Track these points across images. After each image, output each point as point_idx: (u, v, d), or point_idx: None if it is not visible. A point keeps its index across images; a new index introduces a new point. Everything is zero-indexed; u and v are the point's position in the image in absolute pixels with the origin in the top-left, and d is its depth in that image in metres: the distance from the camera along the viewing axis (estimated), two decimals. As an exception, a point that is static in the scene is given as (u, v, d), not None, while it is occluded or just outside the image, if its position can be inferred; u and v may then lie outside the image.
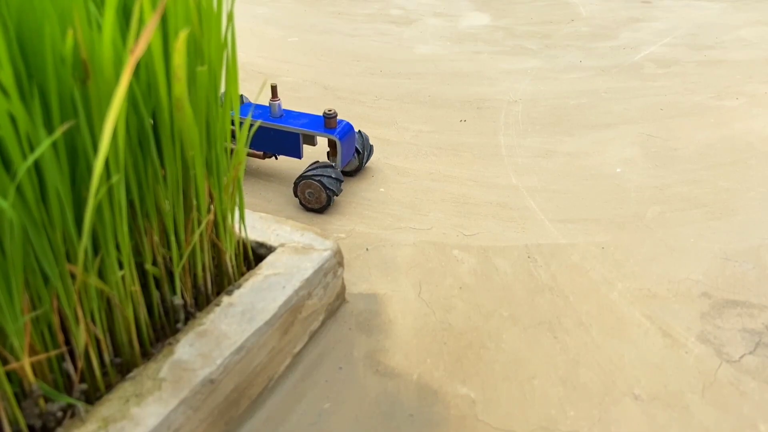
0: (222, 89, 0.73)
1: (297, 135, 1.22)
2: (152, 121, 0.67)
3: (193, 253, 0.77)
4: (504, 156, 1.42)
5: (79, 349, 0.66)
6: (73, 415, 0.65)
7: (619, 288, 1.02)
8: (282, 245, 0.90)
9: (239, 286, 0.82)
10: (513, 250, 1.11)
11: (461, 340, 0.91)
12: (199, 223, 0.76)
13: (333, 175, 1.17)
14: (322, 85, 1.81)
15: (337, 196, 1.19)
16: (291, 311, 0.82)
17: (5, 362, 0.61)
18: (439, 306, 0.97)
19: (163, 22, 0.63)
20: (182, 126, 0.66)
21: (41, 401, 0.63)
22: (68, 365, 0.66)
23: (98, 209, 0.62)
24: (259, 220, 0.95)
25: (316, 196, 1.17)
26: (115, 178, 0.60)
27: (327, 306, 0.92)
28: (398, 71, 1.93)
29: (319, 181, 1.15)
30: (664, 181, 1.32)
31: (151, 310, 0.76)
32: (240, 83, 0.76)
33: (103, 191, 0.60)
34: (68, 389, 0.67)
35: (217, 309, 0.78)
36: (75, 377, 0.67)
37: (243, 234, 0.88)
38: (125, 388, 0.67)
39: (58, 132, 0.55)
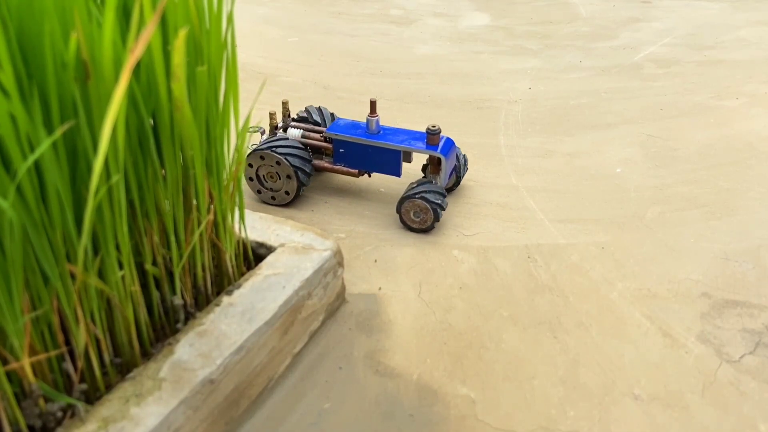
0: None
1: (397, 152, 1.16)
2: (152, 122, 0.67)
3: (193, 253, 0.77)
4: (504, 156, 1.42)
5: (79, 349, 0.66)
6: (73, 415, 0.65)
7: (619, 288, 1.02)
8: (282, 245, 0.90)
9: (239, 286, 0.82)
10: (513, 250, 1.11)
11: (461, 340, 0.91)
12: (199, 223, 0.76)
13: (439, 194, 1.12)
14: (322, 85, 1.81)
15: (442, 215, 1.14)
16: (291, 311, 0.82)
17: (5, 362, 0.61)
18: (439, 306, 0.97)
19: (163, 22, 0.63)
20: (182, 126, 0.66)
21: (41, 401, 0.63)
22: (68, 365, 0.66)
23: (98, 209, 0.62)
24: (259, 220, 0.95)
25: (423, 217, 1.12)
26: (114, 178, 0.60)
27: (327, 306, 0.92)
28: (398, 71, 1.93)
29: (427, 200, 1.10)
30: (664, 181, 1.32)
31: (151, 310, 0.76)
32: (240, 83, 0.76)
33: (103, 191, 0.60)
34: (68, 389, 0.67)
35: (217, 309, 0.78)
36: (75, 377, 0.67)
37: (243, 234, 0.88)
38: (125, 388, 0.67)
39: (58, 132, 0.55)
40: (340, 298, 0.96)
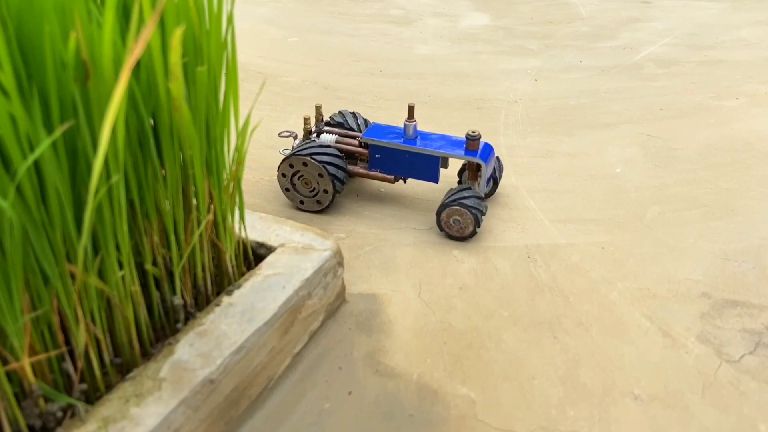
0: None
1: (436, 158, 1.14)
2: (152, 122, 0.67)
3: (193, 253, 0.77)
4: (504, 156, 1.42)
5: (79, 349, 0.66)
6: (73, 415, 0.65)
7: (619, 288, 1.02)
8: (282, 245, 0.90)
9: (239, 286, 0.82)
10: (513, 250, 1.11)
11: (461, 340, 0.91)
12: (199, 223, 0.76)
13: (480, 201, 1.10)
14: (322, 85, 1.81)
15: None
16: (291, 311, 0.82)
17: (5, 362, 0.61)
18: (439, 306, 0.97)
19: (163, 22, 0.63)
20: (180, 126, 0.66)
21: (41, 401, 0.63)
22: (68, 365, 0.66)
23: (98, 209, 0.62)
24: (259, 220, 0.95)
25: (464, 224, 1.10)
26: (114, 178, 0.60)
27: (327, 306, 0.92)
28: (398, 71, 1.93)
29: (468, 208, 1.08)
30: (664, 181, 1.32)
31: (151, 310, 0.76)
32: (240, 83, 0.76)
33: (103, 191, 0.60)
34: (68, 389, 0.67)
35: (217, 309, 0.78)
36: (75, 377, 0.67)
37: (243, 234, 0.88)
38: (125, 388, 0.67)
39: (58, 132, 0.55)
40: (340, 298, 0.96)
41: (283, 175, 1.17)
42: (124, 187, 0.64)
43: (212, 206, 0.78)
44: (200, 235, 0.77)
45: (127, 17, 0.62)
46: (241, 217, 0.85)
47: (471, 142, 1.12)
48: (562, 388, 0.83)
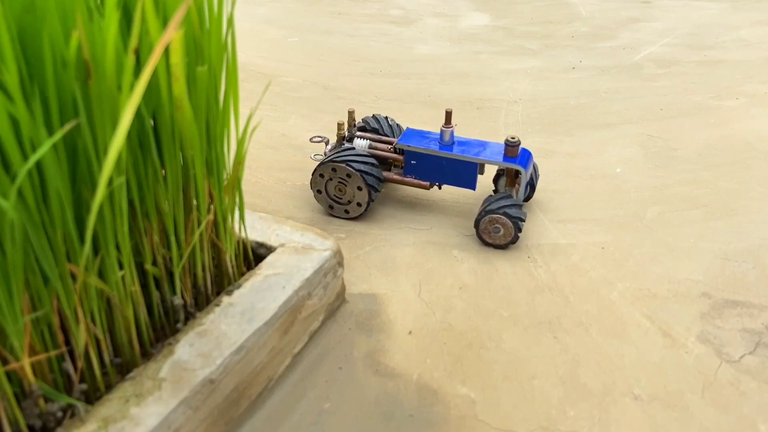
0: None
1: (474, 165, 1.12)
2: (152, 122, 0.67)
3: (193, 253, 0.77)
4: (504, 156, 1.42)
5: (79, 349, 0.66)
6: (73, 415, 0.65)
7: (619, 288, 1.02)
8: (282, 245, 0.90)
9: (239, 286, 0.82)
10: (513, 250, 1.11)
11: (461, 340, 0.91)
12: (199, 224, 0.76)
13: (521, 209, 1.08)
14: (322, 85, 1.81)
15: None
16: (291, 311, 0.82)
17: (5, 362, 0.61)
18: (439, 306, 0.97)
19: (164, 23, 0.63)
20: (182, 125, 0.66)
21: (41, 401, 0.63)
22: (68, 365, 0.66)
23: (99, 209, 0.62)
24: (259, 220, 0.95)
25: (504, 232, 1.08)
26: (117, 182, 0.60)
27: (327, 306, 0.92)
28: (398, 71, 1.93)
29: (509, 217, 1.06)
30: (664, 181, 1.32)
31: (151, 310, 0.76)
32: (240, 83, 0.76)
33: (104, 193, 0.60)
34: (68, 389, 0.67)
35: (217, 309, 0.78)
36: (75, 377, 0.67)
37: (243, 234, 0.88)
38: (125, 388, 0.67)
39: (59, 134, 0.55)
40: (340, 298, 0.96)
41: (321, 175, 1.15)
42: (125, 187, 0.63)
43: (212, 206, 0.78)
44: (200, 235, 0.77)
45: (128, 17, 0.62)
46: (241, 217, 0.85)
47: (510, 148, 1.10)
48: (562, 388, 0.83)
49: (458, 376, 0.85)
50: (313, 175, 1.15)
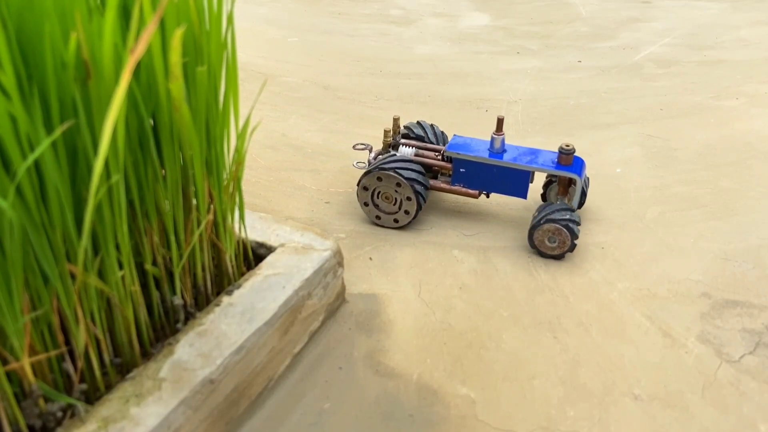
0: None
1: (527, 173, 1.10)
2: (152, 122, 0.67)
3: (192, 253, 0.77)
4: (504, 156, 1.42)
5: (79, 349, 0.66)
6: (73, 415, 0.65)
7: (619, 288, 1.02)
8: (282, 245, 0.90)
9: (239, 286, 0.82)
10: (513, 250, 1.11)
11: (461, 340, 0.91)
12: (199, 223, 0.76)
13: (576, 219, 1.05)
14: (322, 85, 1.81)
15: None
16: (291, 311, 0.82)
17: (5, 362, 0.61)
18: (439, 306, 0.97)
19: (163, 22, 0.63)
20: (180, 126, 0.66)
21: (41, 401, 0.63)
22: (68, 365, 0.66)
23: (98, 209, 0.62)
24: (259, 220, 0.95)
25: (560, 242, 1.06)
26: (114, 178, 0.60)
27: (327, 306, 0.92)
28: (398, 71, 1.93)
29: (566, 226, 1.04)
30: (664, 181, 1.32)
31: (151, 310, 0.76)
32: (240, 83, 0.76)
33: (103, 191, 0.60)
34: (68, 389, 0.67)
35: (217, 309, 0.78)
36: (75, 377, 0.67)
37: (243, 234, 0.88)
38: (125, 388, 0.67)
39: (58, 132, 0.55)
40: (340, 298, 0.96)
41: (365, 188, 1.13)
42: (124, 187, 0.64)
43: (212, 206, 0.78)
44: (200, 235, 0.77)
45: (128, 17, 0.62)
46: (241, 217, 0.85)
47: (564, 156, 1.07)
48: (562, 388, 0.83)
49: (458, 376, 0.85)
50: (359, 183, 1.13)
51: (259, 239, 0.91)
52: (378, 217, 1.15)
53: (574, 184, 1.10)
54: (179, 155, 0.71)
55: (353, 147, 1.24)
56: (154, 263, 0.74)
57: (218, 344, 0.73)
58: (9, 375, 0.62)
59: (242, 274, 0.86)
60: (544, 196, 1.20)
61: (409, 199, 1.11)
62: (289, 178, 1.32)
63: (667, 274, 1.05)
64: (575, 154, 1.10)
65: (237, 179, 0.80)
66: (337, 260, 0.91)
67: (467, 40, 2.22)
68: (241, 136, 0.77)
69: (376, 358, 0.87)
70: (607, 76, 1.90)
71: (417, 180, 1.10)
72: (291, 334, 0.84)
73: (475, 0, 2.70)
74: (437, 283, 1.02)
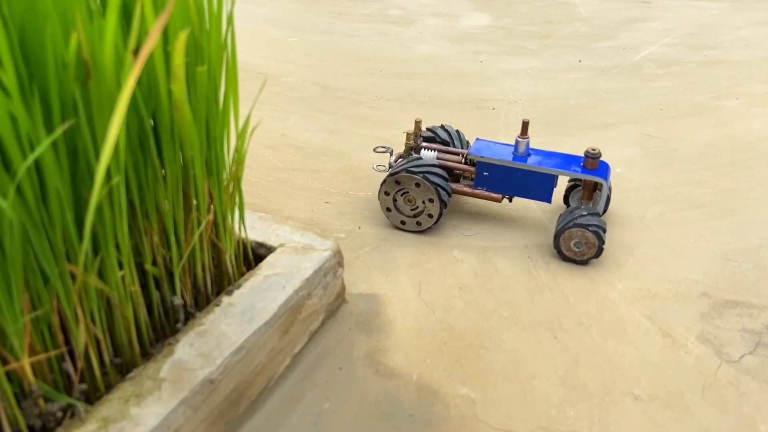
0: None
1: (552, 177, 1.09)
2: (152, 122, 0.67)
3: (192, 253, 0.77)
4: (504, 156, 1.42)
5: (79, 349, 0.66)
6: (73, 415, 0.65)
7: (619, 288, 1.02)
8: (282, 245, 0.90)
9: (239, 286, 0.82)
10: (513, 250, 1.11)
11: (461, 340, 0.91)
12: (199, 223, 0.76)
13: (603, 225, 1.04)
14: (322, 85, 1.81)
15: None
16: (291, 311, 0.82)
17: (5, 362, 0.61)
18: (439, 306, 0.97)
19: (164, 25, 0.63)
20: (181, 126, 0.66)
21: (41, 401, 0.63)
22: (68, 365, 0.66)
23: (98, 209, 0.62)
24: (259, 220, 0.95)
25: (586, 248, 1.04)
26: (115, 180, 0.60)
27: (327, 306, 0.92)
28: (398, 71, 1.93)
29: (591, 231, 1.02)
30: (664, 181, 1.32)
31: (151, 310, 0.76)
32: (240, 83, 0.76)
33: (103, 192, 0.60)
34: (68, 389, 0.67)
35: (217, 309, 0.78)
36: (75, 377, 0.67)
37: (243, 234, 0.88)
38: (125, 388, 0.67)
39: (58, 131, 0.55)
40: (340, 298, 0.96)
41: (386, 193, 1.12)
42: (125, 187, 0.64)
43: (212, 206, 0.78)
44: (200, 235, 0.77)
45: (128, 17, 0.62)
46: (241, 217, 0.85)
47: (591, 160, 1.07)
48: (562, 388, 0.83)
49: (458, 376, 0.85)
50: (382, 186, 1.11)
51: (259, 239, 0.91)
52: (403, 222, 1.14)
53: (599, 189, 1.09)
54: (179, 155, 0.71)
55: (374, 150, 1.24)
56: (154, 263, 0.74)
57: (218, 344, 0.73)
58: (9, 375, 0.62)
59: (242, 274, 0.86)
60: (567, 201, 1.19)
61: (431, 201, 1.09)
62: (289, 178, 1.32)
63: (667, 274, 1.05)
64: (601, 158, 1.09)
65: (237, 179, 0.80)
66: (337, 260, 0.91)
67: (467, 40, 2.22)
68: (241, 136, 0.77)
69: (376, 358, 0.87)
70: (607, 76, 1.90)
71: (440, 184, 1.09)
72: (291, 334, 0.84)
73: (475, 0, 2.70)
74: (437, 283, 1.02)
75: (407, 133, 1.17)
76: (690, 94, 1.76)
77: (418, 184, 1.08)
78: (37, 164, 0.57)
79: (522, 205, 1.23)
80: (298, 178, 1.32)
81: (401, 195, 1.12)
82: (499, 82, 1.85)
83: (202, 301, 0.81)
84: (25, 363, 0.61)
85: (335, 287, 0.93)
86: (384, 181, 1.11)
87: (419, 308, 0.97)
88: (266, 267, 0.85)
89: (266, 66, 1.94)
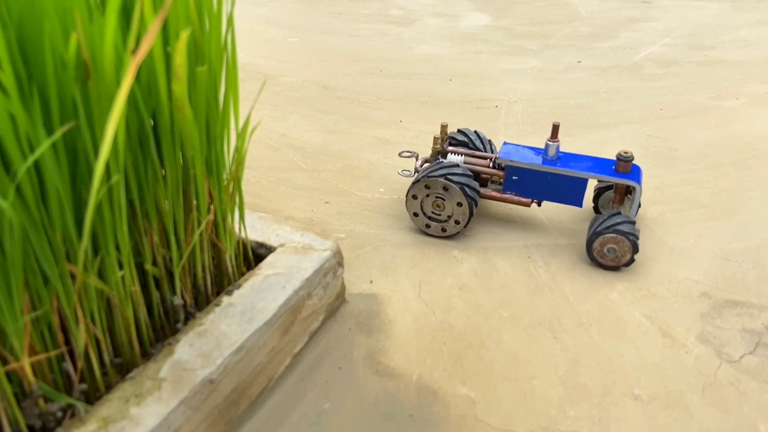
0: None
1: (584, 181, 1.08)
2: (152, 122, 0.67)
3: (192, 253, 0.77)
4: (504, 156, 1.42)
5: (79, 349, 0.66)
6: (73, 415, 0.65)
7: (619, 288, 1.02)
8: (282, 245, 0.90)
9: (239, 286, 0.82)
10: (513, 250, 1.11)
11: (461, 340, 0.91)
12: (199, 223, 0.76)
13: (635, 227, 1.02)
14: (322, 85, 1.81)
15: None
16: (291, 311, 0.82)
17: (5, 362, 0.61)
18: (439, 306, 0.97)
19: (163, 23, 0.63)
20: (182, 126, 0.66)
21: (41, 401, 0.63)
22: (68, 365, 0.66)
23: (98, 209, 0.62)
24: (259, 220, 0.95)
25: (620, 253, 1.03)
26: (114, 179, 0.60)
27: (327, 306, 0.92)
28: (398, 71, 1.93)
29: (626, 236, 1.01)
30: (664, 181, 1.32)
31: (151, 310, 0.76)
32: (240, 83, 0.76)
33: (103, 191, 0.60)
34: (68, 389, 0.67)
35: (217, 309, 0.78)
36: (75, 377, 0.67)
37: (243, 234, 0.88)
38: (125, 388, 0.67)
39: (58, 133, 0.55)
40: (340, 298, 0.96)
41: (414, 197, 1.10)
42: (124, 187, 0.64)
43: (212, 206, 0.78)
44: (200, 235, 0.77)
45: (128, 17, 0.62)
46: (241, 217, 0.85)
47: (623, 163, 1.05)
48: (562, 388, 0.83)
49: (458, 376, 0.85)
50: (409, 191, 1.10)
51: (259, 239, 0.91)
52: (428, 226, 1.12)
53: (630, 193, 1.07)
54: (179, 155, 0.71)
55: (399, 155, 1.23)
56: (154, 263, 0.74)
57: (218, 344, 0.73)
58: (9, 375, 0.62)
59: (242, 274, 0.86)
60: (596, 204, 1.17)
61: (460, 205, 1.08)
62: (289, 178, 1.32)
63: (667, 274, 1.05)
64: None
65: (237, 179, 0.80)
66: (337, 260, 0.91)
67: (467, 40, 2.22)
68: (241, 136, 0.77)
69: (376, 358, 0.87)
70: (607, 76, 1.90)
71: (470, 192, 1.07)
72: (291, 334, 0.84)
73: (475, 0, 2.70)
74: (437, 283, 1.02)
75: (434, 138, 1.15)
76: (690, 94, 1.76)
77: (446, 188, 1.07)
78: (37, 165, 0.57)
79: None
80: (298, 178, 1.32)
81: (429, 199, 1.10)
82: (499, 82, 1.85)
83: (202, 301, 0.81)
84: (25, 363, 0.61)
85: (335, 287, 0.93)
86: (412, 184, 1.10)
87: (419, 308, 0.97)
88: (266, 267, 0.85)
89: (266, 66, 1.94)
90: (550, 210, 1.22)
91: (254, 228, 0.93)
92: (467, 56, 2.07)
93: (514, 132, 1.54)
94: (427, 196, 1.10)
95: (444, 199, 1.09)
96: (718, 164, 1.39)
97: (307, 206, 1.22)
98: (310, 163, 1.38)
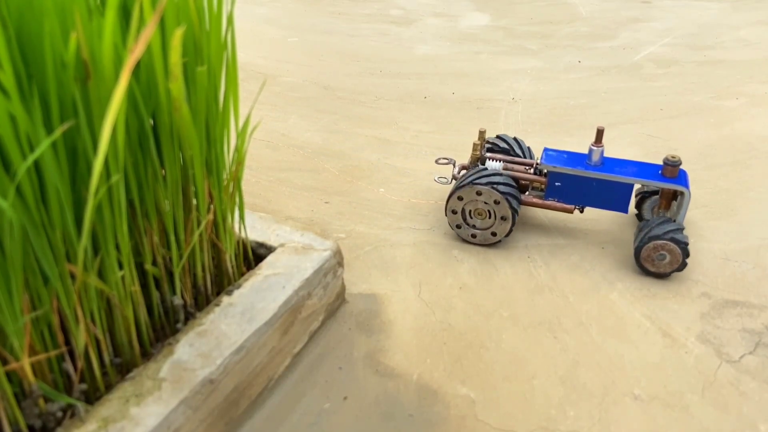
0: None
1: (629, 186, 1.05)
2: (152, 122, 0.67)
3: (192, 253, 0.77)
4: (504, 156, 1.42)
5: (79, 349, 0.66)
6: (73, 415, 0.65)
7: (619, 288, 1.02)
8: (282, 245, 0.90)
9: (239, 286, 0.82)
10: (513, 250, 1.11)
11: (461, 340, 0.91)
12: (199, 223, 0.76)
13: (685, 236, 1.00)
14: (322, 85, 1.81)
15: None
16: (291, 311, 0.82)
17: (5, 362, 0.61)
18: (439, 306, 0.97)
19: (163, 22, 0.63)
20: (180, 126, 0.66)
21: (41, 401, 0.63)
22: (68, 365, 0.66)
23: (98, 209, 0.62)
24: (259, 220, 0.95)
25: (671, 260, 1.00)
26: (114, 178, 0.60)
27: (327, 306, 0.92)
28: (398, 71, 1.93)
29: (677, 242, 0.99)
30: (664, 181, 1.32)
31: (151, 310, 0.76)
32: (240, 83, 0.76)
33: (102, 191, 0.60)
34: (68, 389, 0.67)
35: (217, 309, 0.78)
36: (75, 377, 0.67)
37: (243, 234, 0.88)
38: (125, 388, 0.67)
39: (58, 132, 0.55)
40: (340, 298, 0.96)
41: (453, 211, 1.09)
42: (124, 187, 0.64)
43: (212, 206, 0.78)
44: (200, 235, 0.77)
45: (128, 17, 0.62)
46: (241, 217, 0.85)
47: (670, 168, 1.03)
48: (562, 388, 0.83)
49: (458, 376, 0.85)
50: (448, 202, 1.08)
51: (259, 239, 0.91)
52: (474, 236, 1.10)
53: (676, 198, 1.05)
54: (179, 155, 0.71)
55: (436, 161, 1.21)
56: (154, 263, 0.74)
57: (218, 344, 0.73)
58: (9, 375, 0.62)
59: (242, 274, 0.86)
60: (639, 210, 1.15)
61: (503, 218, 1.06)
62: (289, 178, 1.32)
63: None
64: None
65: (237, 179, 0.80)
66: (337, 260, 0.91)
67: (467, 40, 2.22)
68: (241, 136, 0.77)
69: (376, 358, 0.87)
70: (607, 76, 1.90)
71: (512, 194, 1.06)
72: (291, 334, 0.84)
73: (475, 0, 2.70)
74: (437, 283, 1.02)
75: (474, 144, 1.12)
76: (690, 94, 1.76)
77: (492, 197, 1.05)
78: (37, 165, 0.57)
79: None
80: (298, 178, 1.32)
81: (471, 206, 1.08)
82: (499, 82, 1.85)
83: (202, 301, 0.81)
84: (25, 363, 0.61)
85: (335, 287, 0.93)
86: (452, 192, 1.07)
87: (419, 308, 0.97)
88: (266, 267, 0.85)
89: (266, 66, 1.94)
90: (551, 210, 1.22)
91: (254, 228, 0.93)
92: (467, 56, 2.07)
93: (514, 132, 1.54)
94: (468, 203, 1.07)
95: (486, 207, 1.06)
96: (718, 164, 1.39)
97: (307, 206, 1.22)
98: (310, 163, 1.38)
